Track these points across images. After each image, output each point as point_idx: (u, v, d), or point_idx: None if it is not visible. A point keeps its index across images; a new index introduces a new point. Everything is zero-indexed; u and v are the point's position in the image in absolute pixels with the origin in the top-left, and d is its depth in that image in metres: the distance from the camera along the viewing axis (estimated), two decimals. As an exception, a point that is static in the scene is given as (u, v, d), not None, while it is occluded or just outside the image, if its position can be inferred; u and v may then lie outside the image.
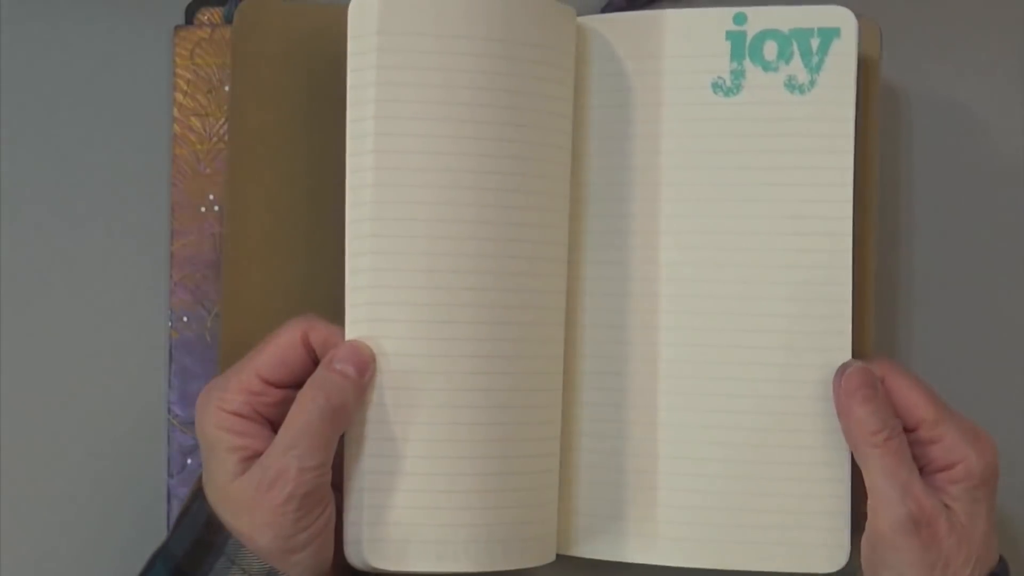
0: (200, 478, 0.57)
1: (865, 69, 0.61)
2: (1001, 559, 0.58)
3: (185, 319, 0.65)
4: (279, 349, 0.56)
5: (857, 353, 0.58)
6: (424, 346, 0.56)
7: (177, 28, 0.65)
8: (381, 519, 0.56)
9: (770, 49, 0.58)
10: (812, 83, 0.58)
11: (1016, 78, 0.67)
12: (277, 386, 0.56)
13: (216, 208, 0.65)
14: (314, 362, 0.57)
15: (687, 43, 0.59)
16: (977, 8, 0.67)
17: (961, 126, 0.67)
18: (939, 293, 0.66)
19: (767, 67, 0.58)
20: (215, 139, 0.65)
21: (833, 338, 0.58)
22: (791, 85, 0.58)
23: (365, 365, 0.56)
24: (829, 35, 0.58)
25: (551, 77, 0.59)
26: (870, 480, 0.56)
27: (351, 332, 0.57)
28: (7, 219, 0.65)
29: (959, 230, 0.66)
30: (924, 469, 0.57)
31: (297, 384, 0.56)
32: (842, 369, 0.57)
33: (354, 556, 0.57)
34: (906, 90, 0.67)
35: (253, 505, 0.54)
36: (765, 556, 0.58)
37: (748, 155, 0.59)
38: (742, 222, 0.59)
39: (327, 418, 0.54)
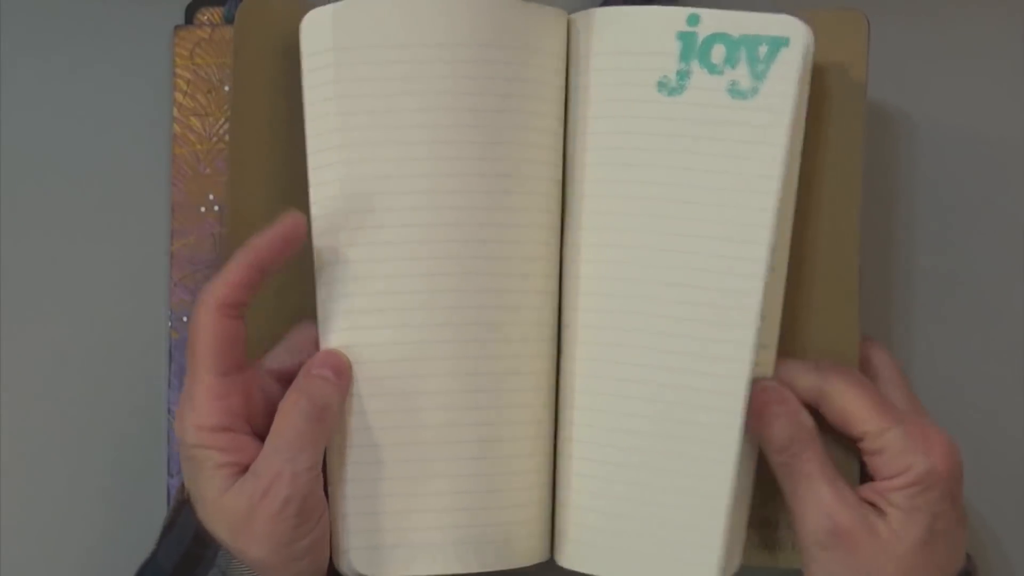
0: (181, 488, 0.56)
1: (852, 62, 0.61)
2: (969, 558, 0.56)
3: (185, 319, 0.65)
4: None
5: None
6: (402, 351, 0.57)
7: (177, 28, 0.65)
8: (366, 527, 0.57)
9: (718, 52, 0.58)
10: (754, 90, 0.57)
11: (1014, 82, 0.67)
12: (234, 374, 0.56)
13: (216, 208, 0.65)
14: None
15: (640, 40, 0.59)
16: (973, 11, 0.67)
17: (959, 130, 0.67)
18: (934, 299, 0.66)
19: (713, 70, 0.58)
20: (215, 139, 0.65)
21: (735, 349, 0.56)
22: (734, 90, 0.57)
23: (342, 368, 0.56)
24: (777, 44, 0.57)
25: (524, 78, 0.58)
26: (786, 494, 0.56)
27: (326, 342, 0.57)
28: (7, 219, 0.65)
29: (955, 235, 0.66)
30: (872, 477, 0.56)
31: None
32: (757, 384, 0.56)
33: (344, 565, 0.57)
34: (899, 95, 0.67)
35: (249, 517, 0.53)
36: (643, 568, 0.57)
37: (679, 155, 0.58)
38: (664, 223, 0.58)
39: (313, 419, 0.54)
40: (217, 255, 0.64)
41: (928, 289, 0.66)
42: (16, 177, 0.65)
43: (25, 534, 0.62)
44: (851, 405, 0.56)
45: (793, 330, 0.61)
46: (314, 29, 0.57)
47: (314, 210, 0.57)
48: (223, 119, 0.65)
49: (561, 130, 0.60)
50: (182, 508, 0.56)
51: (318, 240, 0.57)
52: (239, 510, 0.53)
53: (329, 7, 0.57)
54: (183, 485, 0.56)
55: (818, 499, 0.55)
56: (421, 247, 0.57)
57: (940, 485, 0.54)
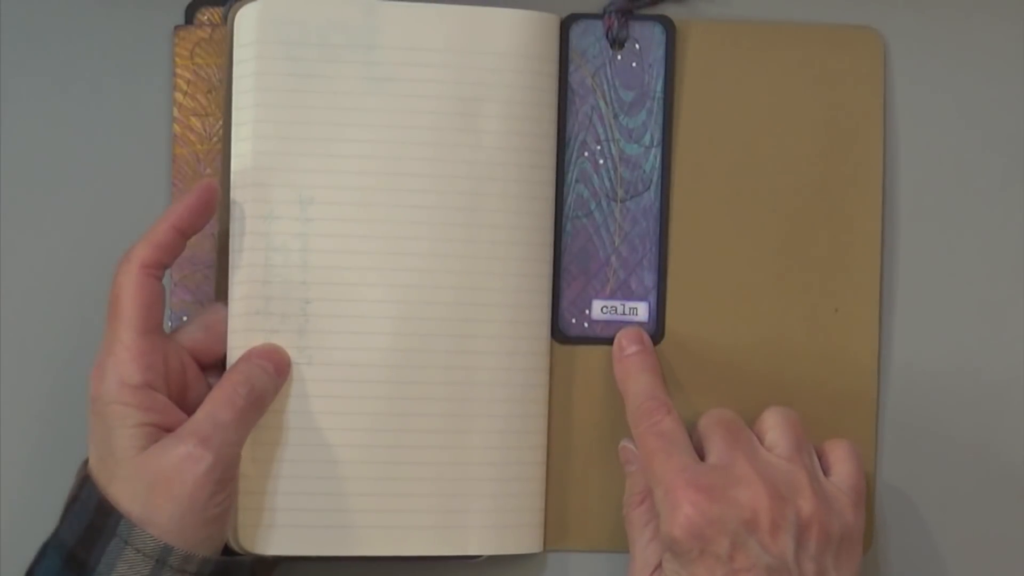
0: (85, 464, 0.57)
1: (870, 81, 0.62)
2: None
3: (185, 319, 0.65)
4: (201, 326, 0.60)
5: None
6: (346, 355, 0.60)
7: (177, 28, 0.65)
8: (286, 506, 0.59)
9: None
10: None
11: (1018, 80, 0.67)
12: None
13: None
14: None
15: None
16: (980, 10, 0.67)
17: (963, 126, 0.66)
18: (936, 297, 0.66)
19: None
20: (215, 139, 0.65)
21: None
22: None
23: (282, 367, 0.59)
24: None
25: (439, 80, 0.61)
26: None
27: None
28: (7, 219, 0.65)
29: (958, 234, 0.66)
30: None
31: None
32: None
33: (250, 542, 0.59)
34: (907, 92, 0.66)
35: (171, 475, 0.54)
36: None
37: None
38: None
39: (250, 400, 0.57)
40: (217, 255, 0.64)
41: (925, 292, 0.66)
42: (16, 177, 0.65)
43: (25, 533, 0.62)
44: (644, 456, 0.58)
45: (813, 332, 0.63)
46: (243, 23, 0.60)
47: (233, 195, 0.61)
48: (223, 119, 0.65)
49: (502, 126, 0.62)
50: (85, 483, 0.56)
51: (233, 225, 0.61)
52: (162, 467, 0.54)
53: (257, 3, 0.60)
54: (87, 460, 0.57)
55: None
56: (332, 241, 0.60)
57: (680, 551, 0.55)
